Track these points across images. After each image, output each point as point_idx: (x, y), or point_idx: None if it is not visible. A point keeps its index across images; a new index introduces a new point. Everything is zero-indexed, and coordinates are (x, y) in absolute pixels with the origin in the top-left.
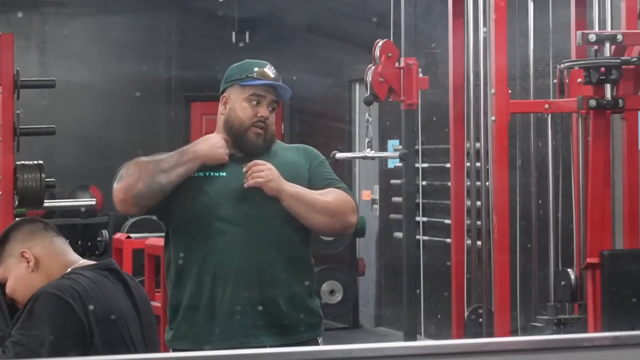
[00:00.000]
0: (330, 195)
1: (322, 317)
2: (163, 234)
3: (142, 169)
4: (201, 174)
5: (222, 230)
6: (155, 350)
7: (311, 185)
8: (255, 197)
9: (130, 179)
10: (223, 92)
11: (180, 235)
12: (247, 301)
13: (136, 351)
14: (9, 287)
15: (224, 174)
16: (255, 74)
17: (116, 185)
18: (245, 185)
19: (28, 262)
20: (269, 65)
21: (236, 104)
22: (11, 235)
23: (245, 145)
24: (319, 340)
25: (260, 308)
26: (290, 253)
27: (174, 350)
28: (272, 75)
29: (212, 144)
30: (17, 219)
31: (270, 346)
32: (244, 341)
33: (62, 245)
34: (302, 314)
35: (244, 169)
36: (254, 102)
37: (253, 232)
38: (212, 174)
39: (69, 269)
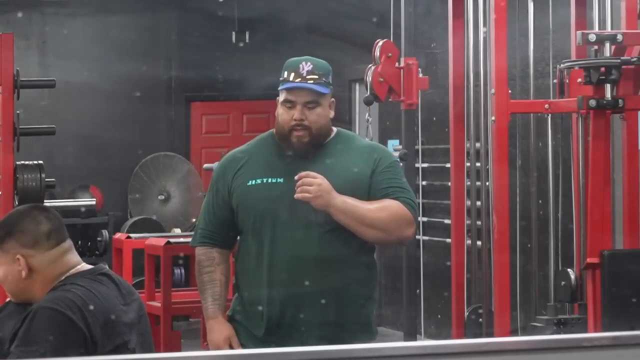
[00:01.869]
0: (383, 208)
1: (375, 332)
2: (163, 234)
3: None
4: (259, 180)
5: (278, 238)
6: (151, 350)
7: (371, 193)
8: (307, 206)
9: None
10: None
11: (245, 241)
12: (298, 315)
13: (135, 352)
14: None
15: (282, 180)
16: (287, 77)
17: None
18: (295, 196)
19: (21, 269)
20: (304, 62)
21: (278, 109)
22: (15, 231)
23: (291, 148)
24: None
25: (307, 323)
26: (343, 263)
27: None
28: (304, 74)
29: (216, 344)
30: (23, 206)
31: None
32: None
33: (63, 255)
34: (354, 329)
35: (296, 178)
36: (288, 107)
37: (306, 241)
38: (270, 180)
39: (63, 277)
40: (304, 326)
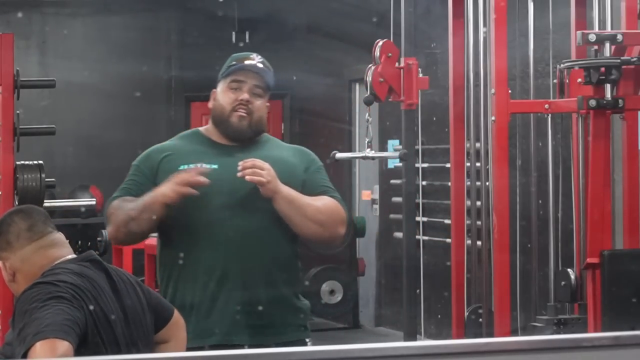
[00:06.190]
0: (323, 204)
1: (307, 318)
2: None
3: (116, 221)
4: (191, 165)
5: (210, 223)
6: (146, 337)
7: (305, 191)
8: (246, 192)
9: (112, 229)
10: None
11: (170, 230)
12: (227, 299)
13: (125, 341)
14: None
15: (216, 166)
16: (235, 62)
17: (107, 229)
18: (246, 178)
19: (7, 273)
20: (254, 55)
21: (220, 95)
22: None
23: (229, 130)
24: (308, 342)
25: (239, 307)
26: (275, 252)
27: None
28: (254, 62)
29: (170, 184)
30: (5, 214)
31: (250, 346)
32: (222, 340)
33: (38, 251)
34: (284, 314)
35: (240, 165)
36: (234, 88)
37: (240, 228)
38: (203, 165)
39: (47, 268)
40: (237, 316)
